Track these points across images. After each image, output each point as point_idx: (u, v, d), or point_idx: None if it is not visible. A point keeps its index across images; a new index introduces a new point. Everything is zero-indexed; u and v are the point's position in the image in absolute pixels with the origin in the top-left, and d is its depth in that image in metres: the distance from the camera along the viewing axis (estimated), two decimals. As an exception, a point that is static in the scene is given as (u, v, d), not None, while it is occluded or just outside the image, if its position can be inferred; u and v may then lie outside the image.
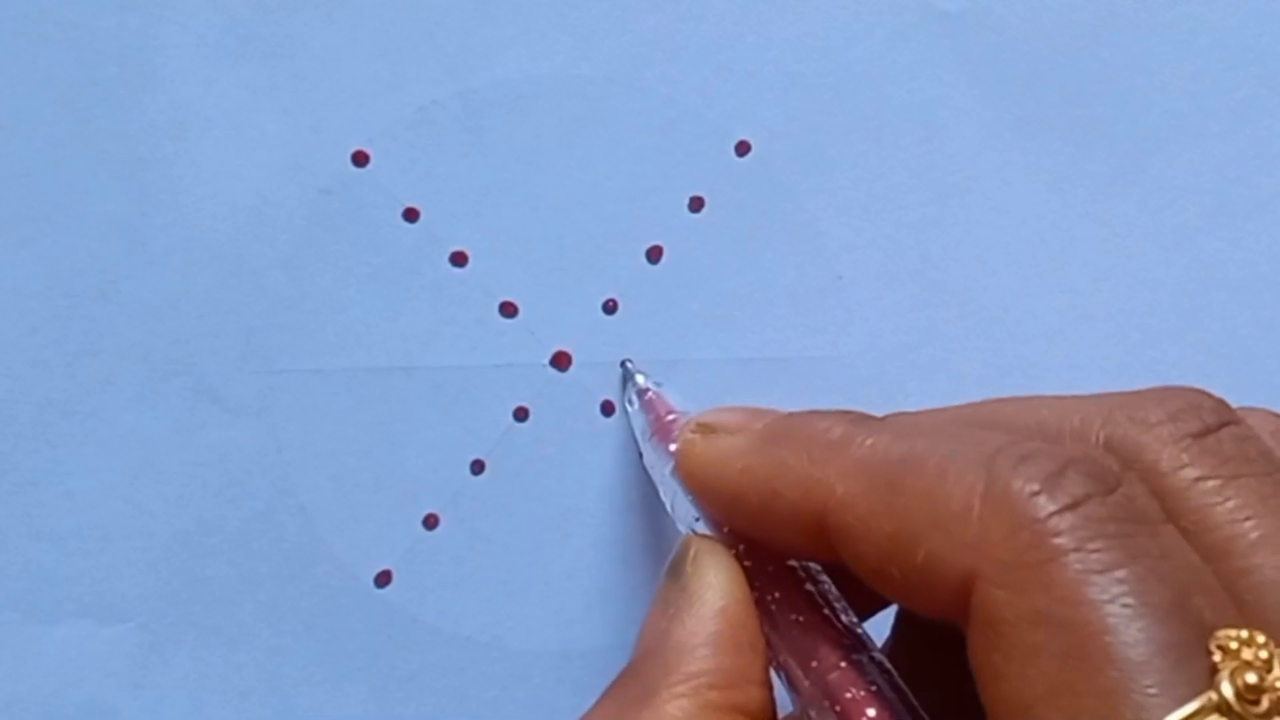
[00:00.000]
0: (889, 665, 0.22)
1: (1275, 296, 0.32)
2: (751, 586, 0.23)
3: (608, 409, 0.30)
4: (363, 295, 0.30)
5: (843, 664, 0.22)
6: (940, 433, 0.21)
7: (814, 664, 0.22)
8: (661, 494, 0.27)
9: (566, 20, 0.30)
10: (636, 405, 0.29)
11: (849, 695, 0.21)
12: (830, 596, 0.23)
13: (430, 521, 0.30)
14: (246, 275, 0.30)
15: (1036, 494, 0.19)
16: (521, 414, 0.30)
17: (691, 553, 0.24)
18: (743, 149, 0.31)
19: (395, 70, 0.30)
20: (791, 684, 0.22)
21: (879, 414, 0.31)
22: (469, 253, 0.30)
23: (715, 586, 0.23)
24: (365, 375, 0.30)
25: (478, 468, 0.30)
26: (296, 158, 0.30)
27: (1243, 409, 0.22)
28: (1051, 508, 0.18)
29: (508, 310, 0.30)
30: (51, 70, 0.29)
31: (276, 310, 0.30)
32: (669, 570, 0.24)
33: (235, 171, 0.30)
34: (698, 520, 0.25)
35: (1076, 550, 0.18)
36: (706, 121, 0.31)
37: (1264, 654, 0.17)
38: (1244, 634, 0.18)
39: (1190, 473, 0.20)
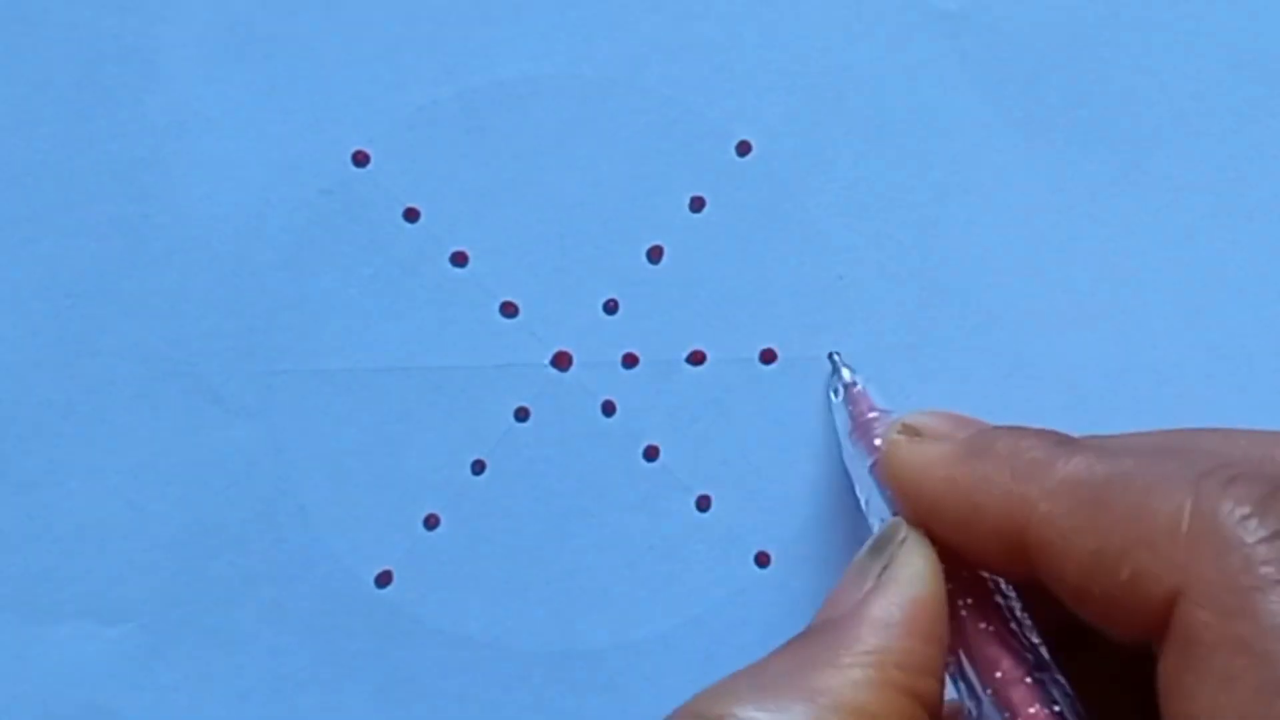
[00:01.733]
0: (1071, 690, 0.22)
1: (1275, 296, 0.32)
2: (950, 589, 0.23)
3: (608, 409, 0.30)
4: (363, 295, 0.30)
5: (1027, 680, 0.22)
6: (1145, 453, 0.21)
7: (998, 674, 0.22)
8: (857, 490, 0.28)
9: (566, 20, 0.30)
10: (841, 399, 0.30)
11: (1032, 711, 0.21)
12: (1018, 613, 0.24)
13: (431, 521, 0.30)
14: (246, 275, 0.30)
15: (1248, 517, 0.19)
16: (522, 414, 0.30)
17: (901, 536, 0.24)
18: (743, 149, 0.31)
19: (395, 70, 0.30)
20: (970, 691, 0.23)
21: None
22: (469, 253, 0.30)
23: (920, 573, 0.23)
24: (365, 375, 0.30)
25: (478, 468, 0.30)
26: (296, 158, 0.30)
27: None
28: (1263, 533, 0.18)
29: (508, 310, 0.30)
30: (51, 70, 0.29)
31: (276, 310, 0.30)
32: (873, 546, 0.24)
33: (235, 171, 0.30)
34: (895, 517, 0.25)
35: None
36: (707, 121, 0.31)
37: None
38: None
39: None
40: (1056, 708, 0.22)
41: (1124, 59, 0.31)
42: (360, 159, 0.30)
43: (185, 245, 0.30)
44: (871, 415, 0.28)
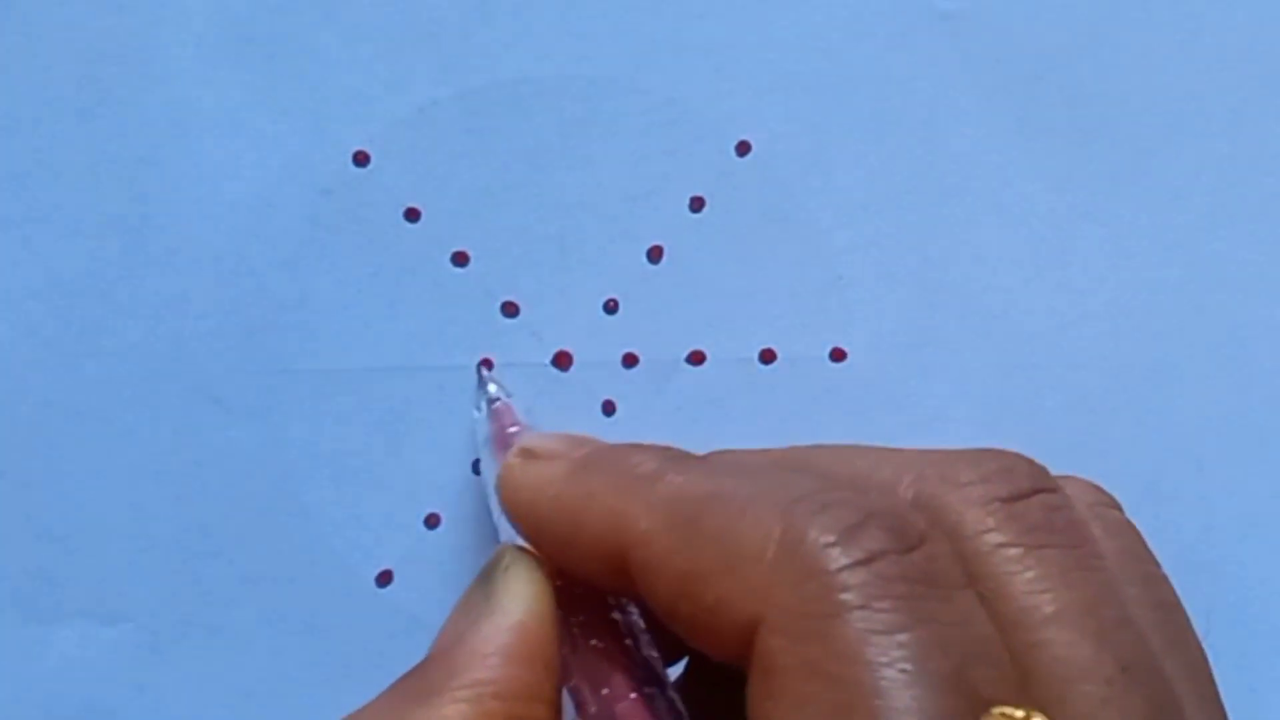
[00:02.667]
0: (680, 705, 0.22)
1: (1275, 296, 0.32)
2: (559, 606, 0.23)
3: (609, 409, 0.30)
4: (364, 295, 0.30)
5: (632, 695, 0.21)
6: (749, 474, 0.20)
7: (604, 691, 0.22)
8: (491, 505, 0.27)
9: (566, 20, 0.30)
10: (484, 413, 0.29)
11: None
12: (635, 628, 0.23)
13: (431, 521, 0.30)
14: (247, 275, 0.30)
15: (831, 545, 0.18)
16: (523, 414, 0.30)
17: (504, 562, 0.23)
18: (743, 149, 0.31)
19: (395, 70, 0.30)
20: (579, 709, 0.22)
21: (879, 415, 0.31)
22: (470, 253, 0.30)
23: (519, 599, 0.23)
24: (366, 375, 0.30)
25: (479, 467, 0.30)
26: (297, 158, 0.30)
27: (1063, 477, 0.22)
28: (844, 561, 0.18)
29: (509, 310, 0.30)
30: (51, 70, 0.29)
31: (277, 310, 0.30)
32: (479, 576, 0.23)
33: (235, 171, 0.30)
34: (501, 544, 0.24)
35: (862, 608, 0.18)
36: (706, 121, 0.31)
37: None
38: (1019, 713, 0.17)
39: (994, 538, 0.20)
40: None
41: (1124, 59, 0.31)
42: (360, 159, 0.30)
43: (185, 245, 0.30)
44: (512, 430, 0.27)
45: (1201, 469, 0.32)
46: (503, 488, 0.24)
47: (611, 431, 0.30)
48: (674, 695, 0.22)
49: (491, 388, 0.29)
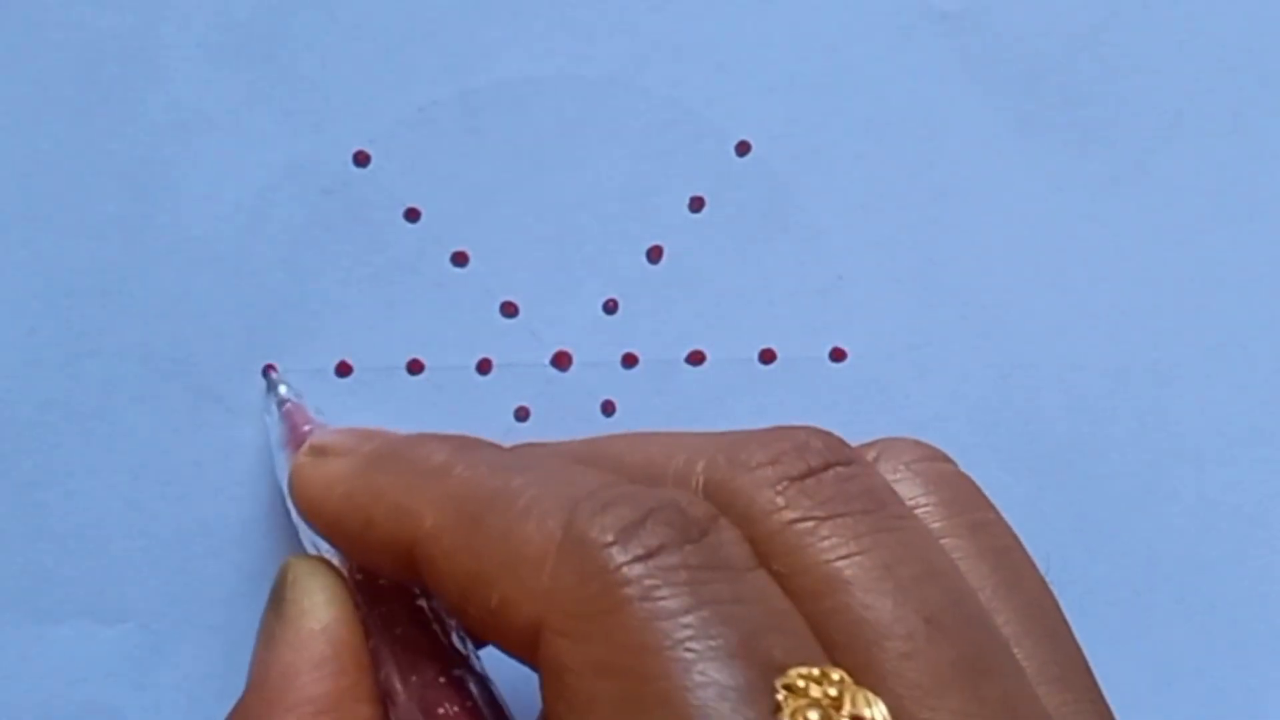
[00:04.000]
0: (494, 686, 0.22)
1: (1275, 296, 0.32)
2: (363, 602, 0.23)
3: (608, 409, 0.30)
4: (363, 295, 0.30)
5: (441, 679, 0.21)
6: (539, 469, 0.20)
7: (413, 678, 0.22)
8: (290, 508, 0.26)
9: (566, 20, 0.30)
10: (276, 415, 0.29)
11: (441, 711, 0.21)
12: (442, 613, 0.23)
13: (431, 521, 0.30)
14: (246, 275, 0.30)
15: (610, 544, 0.18)
16: (522, 414, 0.30)
17: (290, 577, 0.23)
18: (743, 149, 0.31)
19: (395, 70, 0.30)
20: (390, 699, 0.22)
21: (879, 415, 0.31)
22: (470, 253, 0.30)
23: (313, 610, 0.22)
24: (365, 375, 0.30)
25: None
26: (297, 158, 0.30)
27: (885, 440, 0.22)
28: (622, 558, 0.18)
29: (508, 310, 0.30)
30: (51, 70, 0.29)
31: (276, 310, 0.30)
32: (269, 598, 0.23)
33: (235, 171, 0.30)
34: (286, 558, 0.24)
35: (643, 599, 0.18)
36: (706, 121, 0.31)
37: (834, 691, 0.17)
38: (815, 671, 0.17)
39: (785, 515, 0.19)
40: (470, 703, 0.21)
41: (1124, 59, 0.31)
42: (361, 159, 0.30)
43: (185, 245, 0.30)
44: (306, 429, 0.27)
45: (1201, 469, 0.32)
46: (294, 486, 0.24)
47: (611, 431, 0.30)
48: (484, 674, 0.22)
49: (282, 389, 0.29)
